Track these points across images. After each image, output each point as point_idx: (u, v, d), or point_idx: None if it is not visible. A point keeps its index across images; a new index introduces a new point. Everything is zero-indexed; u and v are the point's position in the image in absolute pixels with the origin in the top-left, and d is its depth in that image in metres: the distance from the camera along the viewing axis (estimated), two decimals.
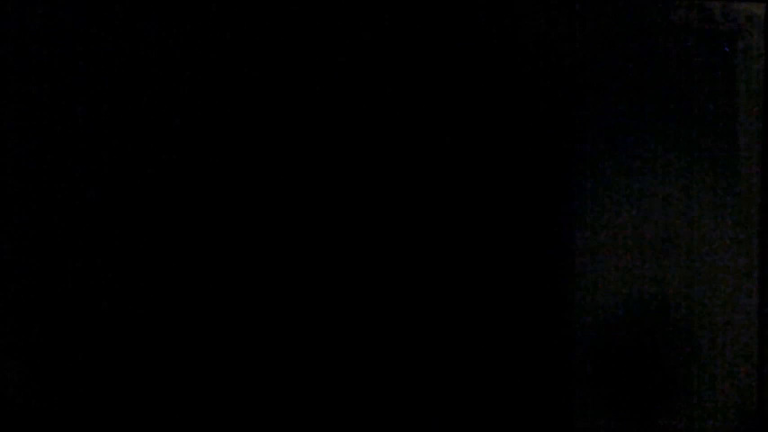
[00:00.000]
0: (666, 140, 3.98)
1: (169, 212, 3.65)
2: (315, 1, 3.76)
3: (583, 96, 3.94)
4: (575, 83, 3.93)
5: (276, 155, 3.70)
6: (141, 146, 3.60)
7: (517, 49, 3.90)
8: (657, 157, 3.97)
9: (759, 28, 4.00)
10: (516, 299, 3.87)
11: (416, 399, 3.77)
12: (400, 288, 3.79)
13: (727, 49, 3.98)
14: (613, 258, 3.95)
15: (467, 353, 3.82)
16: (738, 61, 4.01)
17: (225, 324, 3.67)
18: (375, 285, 3.76)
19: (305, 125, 3.74)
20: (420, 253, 3.80)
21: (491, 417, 3.83)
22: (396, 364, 3.76)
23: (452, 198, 3.83)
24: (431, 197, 3.80)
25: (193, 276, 3.66)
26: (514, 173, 3.88)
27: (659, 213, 3.98)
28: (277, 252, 3.70)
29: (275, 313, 3.71)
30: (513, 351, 3.85)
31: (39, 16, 3.60)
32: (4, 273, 3.55)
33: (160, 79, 3.62)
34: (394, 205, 3.78)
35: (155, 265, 3.63)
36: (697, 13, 3.98)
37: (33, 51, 3.60)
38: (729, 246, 4.01)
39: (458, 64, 3.85)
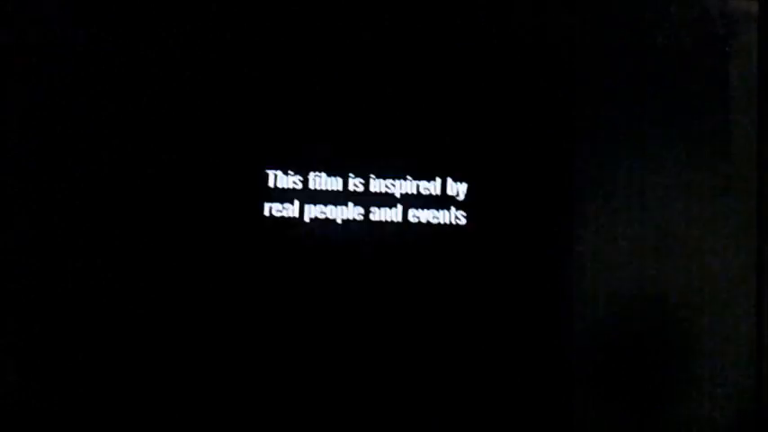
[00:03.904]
0: (661, 136, 3.99)
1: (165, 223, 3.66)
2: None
3: (579, 95, 3.96)
4: (571, 82, 3.95)
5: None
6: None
7: (513, 47, 3.92)
8: (652, 153, 3.99)
9: (754, 26, 4.02)
10: (515, 298, 3.87)
11: (417, 398, 3.77)
12: (401, 289, 3.80)
13: (728, 49, 4.00)
14: (610, 258, 3.96)
15: (467, 352, 3.82)
16: (733, 58, 4.03)
17: (223, 328, 3.67)
18: (376, 283, 3.77)
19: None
20: (419, 253, 3.81)
21: (491, 417, 3.83)
22: (396, 363, 3.76)
23: (451, 197, 3.84)
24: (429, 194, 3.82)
25: (188, 280, 3.66)
26: (511, 173, 3.89)
27: (655, 212, 3.98)
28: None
29: (270, 313, 3.71)
30: (512, 349, 3.85)
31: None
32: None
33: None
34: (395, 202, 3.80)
35: (153, 271, 3.63)
36: (693, 11, 4.01)
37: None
38: (726, 244, 4.02)
39: (456, 60, 3.87)
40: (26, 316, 3.54)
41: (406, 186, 3.79)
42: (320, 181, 3.73)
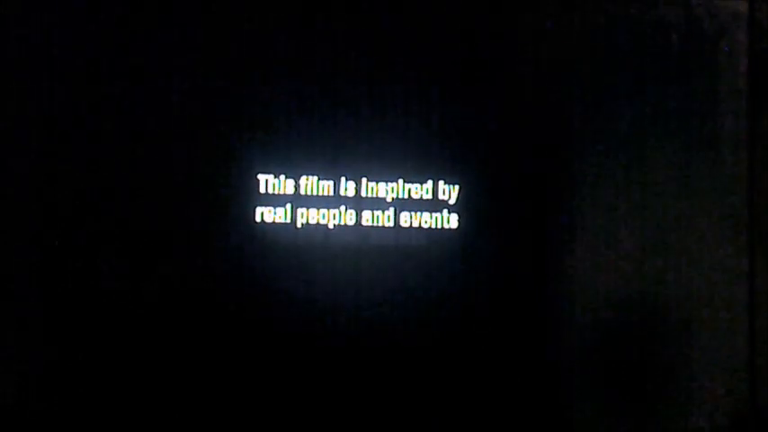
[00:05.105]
0: (654, 136, 3.99)
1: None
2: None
3: (573, 97, 3.96)
4: (566, 84, 3.96)
5: None
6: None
7: (506, 50, 3.93)
8: (642, 154, 3.99)
9: (743, 26, 4.02)
10: (511, 300, 3.88)
11: (415, 400, 3.78)
12: (394, 293, 3.81)
13: (728, 49, 4.00)
14: (606, 259, 3.96)
15: (463, 354, 3.83)
16: (723, 59, 4.03)
17: (216, 332, 3.69)
18: (368, 286, 3.79)
19: None
20: (411, 257, 3.83)
21: (491, 418, 3.84)
22: (392, 366, 3.78)
23: (442, 200, 3.85)
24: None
25: (181, 285, 3.69)
26: (503, 174, 3.90)
27: (646, 212, 3.98)
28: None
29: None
30: (509, 350, 3.86)
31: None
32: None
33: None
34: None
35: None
36: (682, 11, 4.00)
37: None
38: (721, 244, 4.01)
39: (448, 63, 3.88)
40: (18, 324, 3.59)
41: (397, 190, 3.81)
42: (312, 185, 3.76)
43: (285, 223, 3.73)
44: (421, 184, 3.82)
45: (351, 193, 3.78)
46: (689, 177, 4.00)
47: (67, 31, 3.68)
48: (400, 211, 3.80)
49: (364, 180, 3.79)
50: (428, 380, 3.79)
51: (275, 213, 3.73)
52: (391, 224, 3.79)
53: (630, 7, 3.99)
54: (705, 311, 3.99)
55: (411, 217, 3.81)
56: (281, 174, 3.74)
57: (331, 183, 3.76)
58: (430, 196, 3.83)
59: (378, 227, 3.78)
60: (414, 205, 3.81)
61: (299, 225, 3.74)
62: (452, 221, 3.84)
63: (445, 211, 3.84)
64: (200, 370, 3.64)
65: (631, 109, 3.98)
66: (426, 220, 3.82)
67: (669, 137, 4.00)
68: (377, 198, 3.79)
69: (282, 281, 3.71)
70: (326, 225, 3.76)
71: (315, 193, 3.75)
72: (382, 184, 3.79)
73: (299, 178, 3.75)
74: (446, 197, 3.84)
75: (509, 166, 3.90)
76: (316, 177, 3.76)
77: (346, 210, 3.77)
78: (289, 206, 3.74)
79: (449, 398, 3.81)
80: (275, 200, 3.73)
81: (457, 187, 3.84)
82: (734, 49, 4.02)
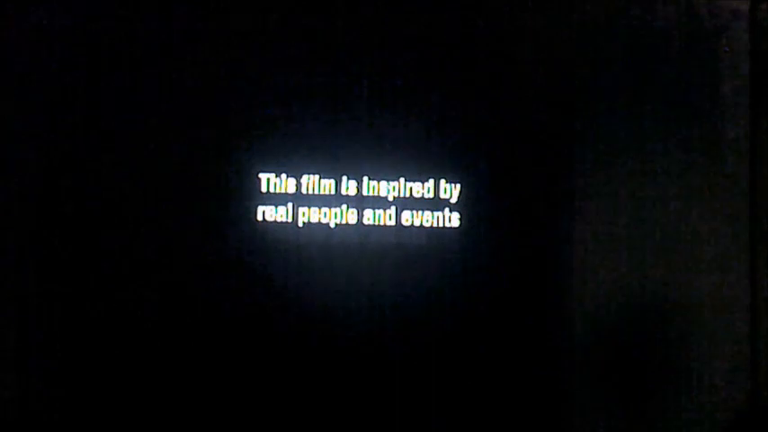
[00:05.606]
0: (656, 136, 4.00)
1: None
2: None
3: (575, 96, 3.96)
4: (568, 83, 3.96)
5: None
6: None
7: (508, 49, 3.93)
8: (648, 153, 3.99)
9: (744, 25, 4.02)
10: (512, 300, 3.88)
11: (415, 400, 3.78)
12: (395, 292, 3.81)
13: (728, 49, 4.00)
14: (607, 258, 3.96)
15: (464, 354, 3.83)
16: (724, 58, 4.03)
17: (217, 331, 3.69)
18: (370, 286, 3.79)
19: None
20: (412, 256, 3.83)
21: (491, 418, 3.84)
22: (393, 366, 3.78)
23: (444, 199, 3.85)
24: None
25: (182, 284, 3.68)
26: (505, 173, 3.91)
27: (647, 212, 3.99)
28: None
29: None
30: (510, 350, 3.86)
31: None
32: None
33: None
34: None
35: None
36: (683, 11, 4.01)
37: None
38: (722, 243, 4.02)
39: (449, 61, 3.89)
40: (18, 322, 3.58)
41: (398, 189, 3.81)
42: (313, 184, 3.76)
43: (287, 222, 3.73)
44: (422, 182, 3.82)
45: (352, 191, 3.77)
46: (690, 177, 4.00)
47: (67, 30, 3.68)
48: (402, 210, 3.80)
49: (366, 179, 3.79)
50: (429, 379, 3.79)
51: (277, 212, 3.72)
52: (393, 223, 3.79)
53: (630, 7, 3.99)
54: (706, 312, 3.98)
55: (412, 216, 3.81)
56: (282, 173, 3.74)
57: (332, 181, 3.76)
58: (431, 195, 3.83)
59: (379, 226, 3.78)
60: (415, 204, 3.81)
61: (300, 224, 3.74)
62: (454, 220, 3.84)
63: (447, 209, 3.84)
64: (202, 369, 3.64)
65: (632, 109, 3.98)
66: (428, 218, 3.82)
67: (670, 136, 4.00)
68: (378, 197, 3.79)
69: (284, 280, 3.71)
70: (328, 224, 3.75)
71: (316, 192, 3.75)
72: (384, 183, 3.79)
73: (301, 177, 3.75)
74: (447, 196, 3.84)
75: (510, 165, 3.90)
76: (317, 176, 3.76)
77: (348, 209, 3.77)
78: (290, 205, 3.73)
79: (449, 397, 3.80)
80: (277, 199, 3.73)
81: (458, 186, 3.84)
82: (735, 49, 4.03)
